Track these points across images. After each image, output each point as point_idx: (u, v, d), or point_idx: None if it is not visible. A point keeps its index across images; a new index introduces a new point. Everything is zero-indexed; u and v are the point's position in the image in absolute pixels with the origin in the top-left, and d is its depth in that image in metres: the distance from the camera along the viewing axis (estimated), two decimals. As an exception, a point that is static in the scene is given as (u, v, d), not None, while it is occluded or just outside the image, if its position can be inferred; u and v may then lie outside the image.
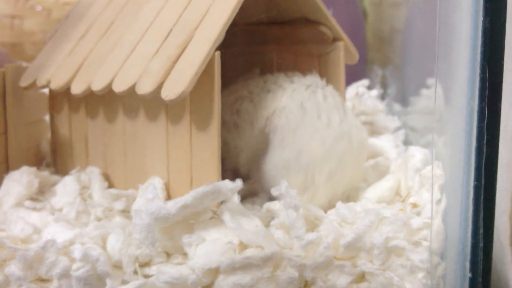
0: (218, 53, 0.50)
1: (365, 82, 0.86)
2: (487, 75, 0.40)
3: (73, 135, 0.63)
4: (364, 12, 1.16)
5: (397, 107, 0.86)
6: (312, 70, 0.62)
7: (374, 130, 0.77)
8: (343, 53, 0.63)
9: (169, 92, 0.48)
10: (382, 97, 0.94)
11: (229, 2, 0.51)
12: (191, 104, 0.52)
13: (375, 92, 0.86)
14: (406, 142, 0.74)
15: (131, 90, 0.51)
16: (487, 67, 0.40)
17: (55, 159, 0.66)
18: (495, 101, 0.41)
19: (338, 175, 0.54)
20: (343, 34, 0.63)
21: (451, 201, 0.46)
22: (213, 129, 0.51)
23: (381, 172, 0.62)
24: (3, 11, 1.24)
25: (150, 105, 0.54)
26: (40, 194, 0.60)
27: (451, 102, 0.45)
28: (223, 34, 0.51)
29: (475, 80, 0.41)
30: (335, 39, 0.63)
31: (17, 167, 0.61)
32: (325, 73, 0.63)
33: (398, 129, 0.77)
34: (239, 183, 0.49)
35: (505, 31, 0.40)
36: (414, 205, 0.51)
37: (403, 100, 0.85)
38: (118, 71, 0.53)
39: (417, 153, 0.57)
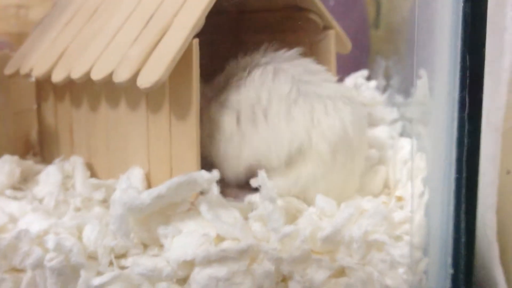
0: (196, 41, 0.49)
1: (364, 72, 0.84)
2: (468, 64, 0.38)
3: (59, 124, 0.62)
4: (377, 2, 1.14)
5: (399, 98, 0.84)
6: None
7: (370, 121, 0.75)
8: (334, 41, 0.62)
9: (145, 81, 0.47)
10: (385, 88, 0.92)
11: (209, -12, 0.50)
12: (170, 93, 0.50)
13: (373, 83, 0.84)
14: (404, 134, 0.72)
15: (109, 78, 0.50)
16: (467, 55, 0.38)
17: (42, 148, 0.65)
18: (477, 90, 0.39)
19: None
20: (334, 23, 0.61)
21: (434, 194, 0.44)
22: (191, 118, 0.49)
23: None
24: (9, 1, 1.23)
25: (131, 93, 0.53)
26: (24, 183, 0.59)
27: (433, 91, 0.43)
28: (202, 21, 0.49)
29: (456, 69, 0.39)
30: (326, 27, 0.62)
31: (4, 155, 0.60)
32: (316, 62, 0.62)
33: (395, 121, 0.75)
34: (215, 173, 0.48)
35: (486, 17, 0.38)
36: (399, 198, 0.50)
37: (406, 91, 0.83)
38: (98, 59, 0.52)
39: (406, 145, 0.55)
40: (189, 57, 0.48)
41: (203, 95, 0.57)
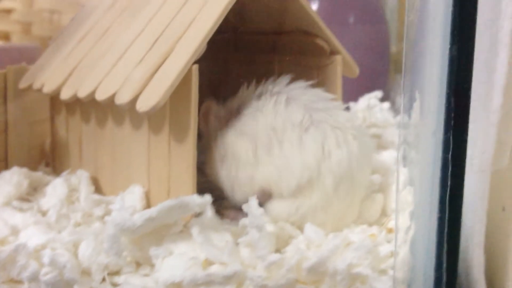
0: (196, 67, 0.50)
1: (377, 93, 0.84)
2: (453, 105, 0.39)
3: (70, 137, 0.64)
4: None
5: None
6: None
7: (380, 144, 0.75)
8: (341, 66, 0.62)
9: (143, 104, 0.48)
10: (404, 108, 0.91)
11: (212, 14, 0.51)
12: (170, 116, 0.52)
13: (387, 104, 0.83)
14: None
15: (112, 99, 0.52)
16: (452, 97, 0.38)
17: (54, 158, 0.67)
18: (461, 132, 0.39)
19: None
20: (341, 48, 0.62)
21: (419, 230, 0.44)
22: (189, 142, 0.51)
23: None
24: (44, 5, 1.27)
25: (134, 113, 0.54)
26: (34, 193, 0.61)
27: (421, 126, 0.43)
28: (203, 46, 0.50)
29: (441, 109, 0.39)
30: (333, 52, 0.62)
31: (17, 165, 0.62)
32: (322, 86, 0.62)
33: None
34: (208, 198, 0.49)
35: (473, 59, 0.38)
36: (390, 230, 0.50)
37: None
38: (103, 79, 0.54)
39: (406, 173, 0.55)
40: (188, 83, 0.50)
41: (217, 116, 0.58)
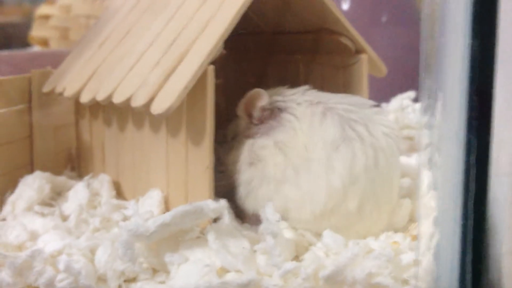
0: (211, 67, 0.48)
1: (410, 94, 0.81)
2: (475, 105, 0.36)
3: (93, 141, 0.64)
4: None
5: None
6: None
7: (412, 146, 0.72)
8: (367, 65, 0.60)
9: (158, 107, 0.47)
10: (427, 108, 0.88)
11: (227, 15, 0.50)
12: (187, 118, 0.51)
13: (420, 105, 0.80)
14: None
15: (128, 102, 0.51)
16: (474, 96, 0.36)
17: (79, 163, 0.67)
18: (485, 133, 0.36)
19: None
20: (366, 46, 0.59)
21: (444, 238, 0.42)
22: (205, 144, 0.49)
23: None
24: (80, 11, 1.28)
25: (153, 116, 0.54)
26: (57, 198, 0.61)
27: (444, 127, 0.41)
28: (219, 47, 0.49)
29: (462, 109, 0.37)
30: (359, 51, 0.60)
31: (43, 170, 0.62)
32: (348, 86, 0.60)
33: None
34: (223, 203, 0.47)
35: (495, 55, 0.35)
36: (414, 238, 0.47)
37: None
38: (121, 82, 0.53)
39: (426, 178, 0.52)
40: (204, 84, 0.48)
41: (263, 108, 0.54)
